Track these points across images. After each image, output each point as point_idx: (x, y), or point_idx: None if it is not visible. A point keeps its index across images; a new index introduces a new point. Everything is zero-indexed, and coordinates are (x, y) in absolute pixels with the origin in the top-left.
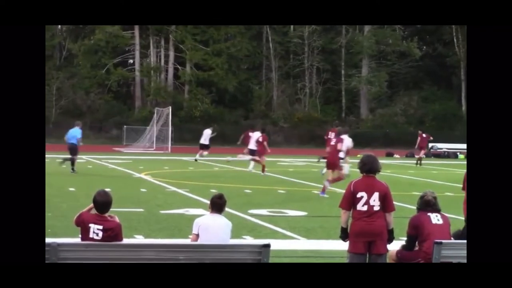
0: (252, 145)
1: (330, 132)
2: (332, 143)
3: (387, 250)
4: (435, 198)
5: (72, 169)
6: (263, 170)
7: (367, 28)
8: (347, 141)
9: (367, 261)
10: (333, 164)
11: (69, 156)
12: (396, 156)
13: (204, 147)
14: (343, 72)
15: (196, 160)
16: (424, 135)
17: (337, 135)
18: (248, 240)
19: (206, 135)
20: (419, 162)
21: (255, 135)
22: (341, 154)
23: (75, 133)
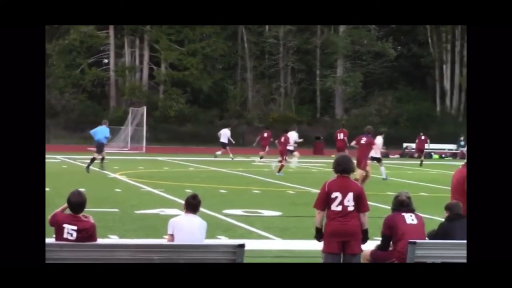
0: (289, 146)
1: (338, 134)
2: (363, 142)
3: (361, 250)
4: (409, 198)
5: (88, 166)
6: (279, 170)
7: (342, 28)
8: (379, 141)
9: (341, 261)
10: (360, 162)
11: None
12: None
13: (224, 145)
14: (318, 72)
15: (232, 159)
16: (422, 137)
17: (369, 135)
18: (223, 240)
19: (225, 135)
20: (421, 162)
21: (292, 136)
22: (374, 153)
23: (102, 131)
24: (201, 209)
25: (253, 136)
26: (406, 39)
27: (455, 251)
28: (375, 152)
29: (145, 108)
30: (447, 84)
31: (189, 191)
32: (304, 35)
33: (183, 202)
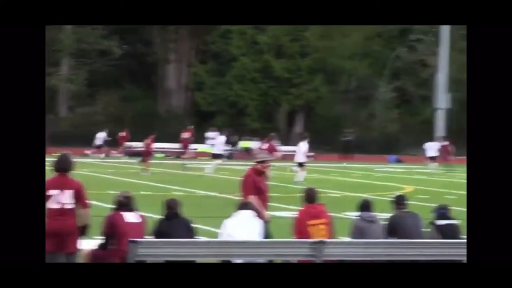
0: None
1: (183, 133)
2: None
3: (79, 249)
4: (128, 197)
5: None
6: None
7: (68, 26)
8: (303, 147)
9: (64, 261)
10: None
11: None
12: (87, 152)
13: (99, 147)
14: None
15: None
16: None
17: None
18: None
19: (100, 138)
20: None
21: (220, 138)
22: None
23: None
24: None
25: None
26: (132, 38)
27: (175, 249)
28: (300, 157)
29: None
30: (172, 84)
31: None
32: None
33: None
